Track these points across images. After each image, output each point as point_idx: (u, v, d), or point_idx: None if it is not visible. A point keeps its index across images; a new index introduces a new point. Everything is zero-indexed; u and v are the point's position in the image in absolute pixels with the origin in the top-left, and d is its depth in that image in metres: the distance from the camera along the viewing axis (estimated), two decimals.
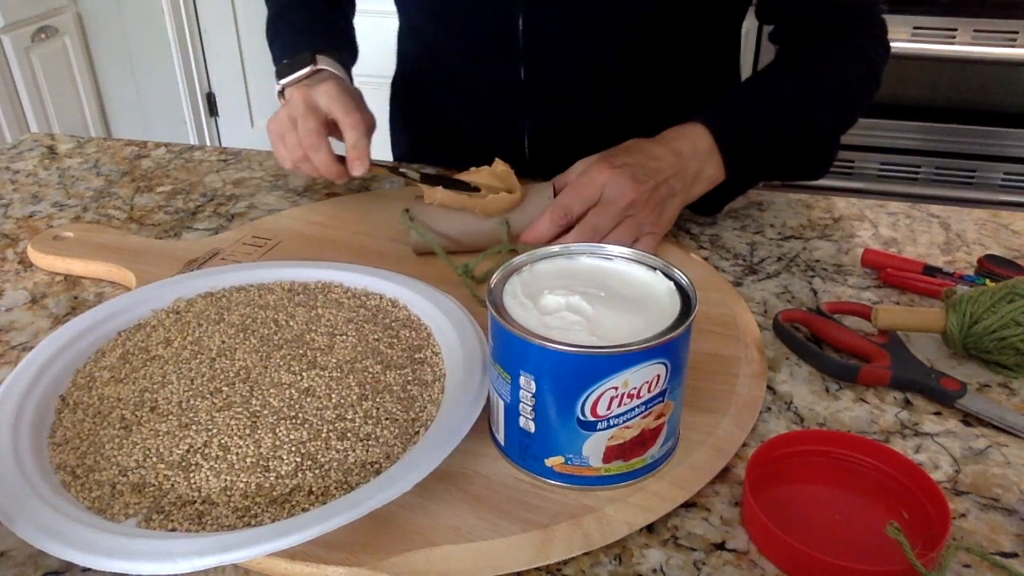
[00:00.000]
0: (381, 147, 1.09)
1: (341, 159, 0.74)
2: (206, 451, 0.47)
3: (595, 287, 0.48)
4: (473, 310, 0.59)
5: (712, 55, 0.86)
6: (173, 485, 0.45)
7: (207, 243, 0.75)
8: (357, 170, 0.72)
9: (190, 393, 0.51)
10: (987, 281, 0.66)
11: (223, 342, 0.56)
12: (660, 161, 0.68)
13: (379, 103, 1.07)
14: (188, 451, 0.47)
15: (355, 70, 0.89)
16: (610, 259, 0.50)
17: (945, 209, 0.82)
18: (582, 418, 0.44)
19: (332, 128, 0.75)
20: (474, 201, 0.70)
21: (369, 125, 0.75)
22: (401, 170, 0.75)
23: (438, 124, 0.95)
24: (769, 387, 0.57)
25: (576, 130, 0.82)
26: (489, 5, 0.80)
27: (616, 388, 0.43)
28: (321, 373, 0.53)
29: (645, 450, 0.46)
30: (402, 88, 1.02)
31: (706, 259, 0.72)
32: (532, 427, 0.45)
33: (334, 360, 0.54)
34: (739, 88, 0.78)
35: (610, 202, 0.65)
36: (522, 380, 0.44)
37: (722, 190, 0.74)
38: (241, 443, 0.47)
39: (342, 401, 0.50)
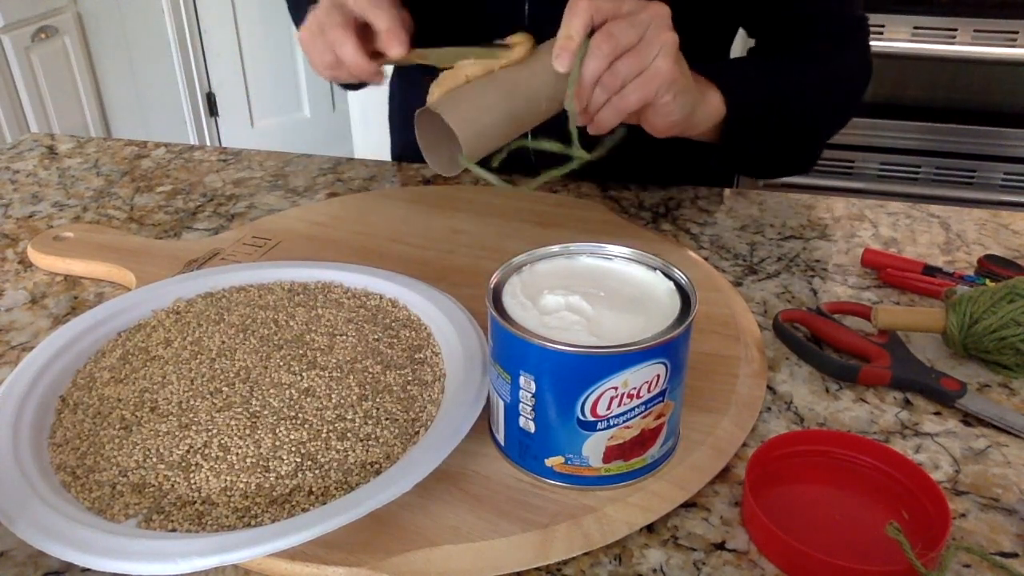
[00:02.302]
0: (381, 147, 1.10)
1: (378, 57, 0.67)
2: (206, 451, 0.47)
3: (595, 287, 0.48)
4: (474, 309, 0.59)
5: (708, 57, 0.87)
6: (173, 485, 0.45)
7: (207, 243, 0.75)
8: (394, 50, 0.65)
9: (190, 393, 0.51)
10: (987, 281, 0.66)
11: (223, 342, 0.56)
12: None
13: (379, 102, 1.08)
14: (188, 451, 0.47)
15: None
16: (610, 259, 0.50)
17: (945, 209, 0.82)
18: (582, 418, 0.44)
19: (368, 31, 0.67)
20: (501, 57, 0.62)
21: (403, 17, 0.68)
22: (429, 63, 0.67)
23: None
24: (769, 387, 0.57)
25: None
26: None
27: (616, 388, 0.43)
28: (321, 373, 0.53)
29: (645, 450, 0.46)
30: (400, 85, 1.01)
31: (706, 259, 0.72)
32: (532, 427, 0.45)
33: (334, 360, 0.54)
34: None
35: (632, 12, 0.60)
36: (522, 380, 0.44)
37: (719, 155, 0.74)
38: (241, 443, 0.47)
39: (342, 401, 0.50)
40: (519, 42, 0.62)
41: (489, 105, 0.60)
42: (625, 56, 0.59)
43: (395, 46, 0.65)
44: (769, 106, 0.75)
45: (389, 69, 0.70)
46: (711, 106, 0.71)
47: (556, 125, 0.64)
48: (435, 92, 0.62)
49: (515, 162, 0.71)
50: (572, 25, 0.58)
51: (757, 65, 0.79)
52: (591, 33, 0.59)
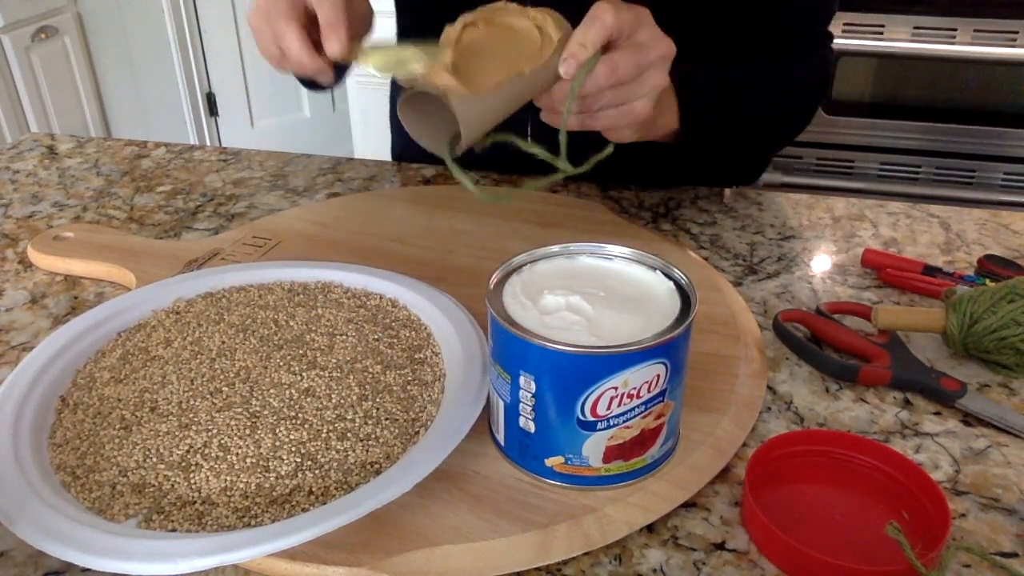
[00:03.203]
0: (381, 147, 1.10)
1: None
2: (206, 451, 0.47)
3: (595, 287, 0.48)
4: (474, 309, 0.59)
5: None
6: (173, 485, 0.45)
7: (207, 243, 0.75)
8: (331, 48, 0.59)
9: (190, 393, 0.51)
10: (987, 281, 0.66)
11: (223, 342, 0.56)
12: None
13: (379, 102, 1.08)
14: (188, 451, 0.47)
15: (354, 70, 0.87)
16: (610, 259, 0.50)
17: (945, 209, 0.82)
18: (582, 418, 0.44)
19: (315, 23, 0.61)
20: (530, 57, 0.57)
21: (357, 11, 0.62)
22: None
23: None
24: (769, 387, 0.57)
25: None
26: None
27: (616, 388, 0.43)
28: (321, 373, 0.53)
29: (645, 450, 0.46)
30: (400, 87, 1.01)
31: (706, 259, 0.72)
32: (532, 427, 0.45)
33: (334, 360, 0.54)
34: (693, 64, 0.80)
35: (643, 45, 0.58)
36: (522, 380, 0.44)
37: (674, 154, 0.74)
38: (241, 443, 0.47)
39: (342, 401, 0.50)
40: (543, 23, 0.58)
41: (496, 108, 0.57)
42: (615, 88, 0.58)
43: (332, 42, 0.59)
44: (724, 120, 0.75)
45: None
46: (667, 122, 0.71)
47: (542, 132, 0.62)
48: (444, 70, 0.54)
49: (512, 155, 0.69)
50: (589, 35, 0.56)
51: (717, 75, 0.78)
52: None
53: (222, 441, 0.47)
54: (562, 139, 0.59)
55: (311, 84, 0.82)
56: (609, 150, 0.62)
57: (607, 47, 0.58)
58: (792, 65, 0.81)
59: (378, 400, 0.51)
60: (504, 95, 0.56)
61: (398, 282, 0.63)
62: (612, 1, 0.58)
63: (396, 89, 1.03)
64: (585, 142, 0.62)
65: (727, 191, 0.87)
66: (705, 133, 0.74)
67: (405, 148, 1.02)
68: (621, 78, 0.58)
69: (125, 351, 0.57)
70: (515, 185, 0.60)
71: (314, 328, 0.58)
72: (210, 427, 0.48)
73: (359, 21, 0.64)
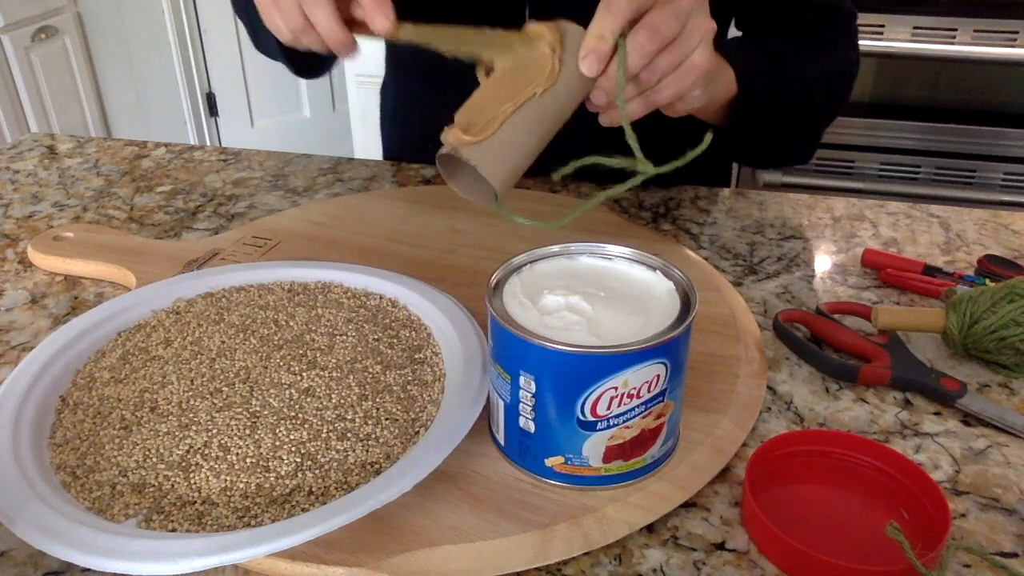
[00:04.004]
0: (377, 149, 1.10)
1: (351, 25, 0.57)
2: (206, 451, 0.47)
3: (595, 287, 0.48)
4: (474, 309, 0.59)
5: None
6: (173, 485, 0.45)
7: (207, 243, 0.75)
8: (379, 23, 0.54)
9: (190, 393, 0.51)
10: (987, 281, 0.66)
11: (223, 342, 0.56)
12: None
13: (379, 102, 1.07)
14: (188, 451, 0.47)
15: (353, 70, 0.86)
16: (610, 259, 0.50)
17: (945, 209, 0.82)
18: (582, 418, 0.44)
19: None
20: (535, 78, 0.52)
21: None
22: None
23: (435, 125, 0.94)
24: (769, 387, 0.57)
25: (580, 125, 0.82)
26: None
27: (616, 388, 0.43)
28: (321, 373, 0.53)
29: (645, 450, 0.46)
30: (394, 89, 1.01)
31: (706, 259, 0.72)
32: (532, 427, 0.45)
33: (334, 360, 0.54)
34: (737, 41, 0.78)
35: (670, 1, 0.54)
36: (522, 380, 0.44)
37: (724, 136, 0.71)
38: (241, 443, 0.47)
39: (342, 401, 0.50)
40: (541, 34, 0.53)
41: (520, 141, 0.51)
42: (666, 50, 0.54)
43: (379, 18, 0.54)
44: (776, 89, 0.74)
45: (373, 46, 0.59)
46: (726, 85, 0.69)
47: (595, 137, 0.57)
48: (460, 125, 0.52)
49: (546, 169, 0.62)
50: (605, 24, 0.51)
51: (762, 47, 0.78)
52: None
53: (222, 441, 0.47)
54: (630, 138, 0.53)
55: (306, 69, 0.80)
56: (705, 143, 0.54)
57: (633, 23, 0.53)
58: (824, 45, 0.81)
59: (378, 400, 0.51)
60: (525, 125, 0.51)
61: (398, 282, 0.63)
62: None
63: (388, 91, 1.03)
64: (662, 147, 0.57)
65: (725, 191, 0.87)
66: (758, 105, 0.72)
67: (400, 152, 1.01)
68: (665, 36, 0.53)
69: (125, 351, 0.57)
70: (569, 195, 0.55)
71: (314, 328, 0.58)
72: (210, 427, 0.48)
73: None
